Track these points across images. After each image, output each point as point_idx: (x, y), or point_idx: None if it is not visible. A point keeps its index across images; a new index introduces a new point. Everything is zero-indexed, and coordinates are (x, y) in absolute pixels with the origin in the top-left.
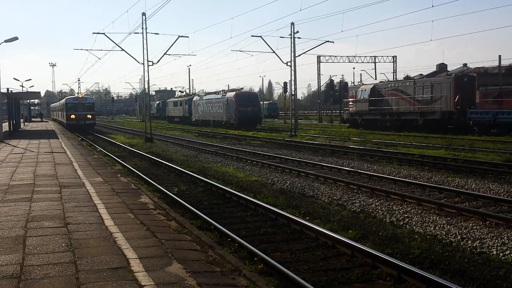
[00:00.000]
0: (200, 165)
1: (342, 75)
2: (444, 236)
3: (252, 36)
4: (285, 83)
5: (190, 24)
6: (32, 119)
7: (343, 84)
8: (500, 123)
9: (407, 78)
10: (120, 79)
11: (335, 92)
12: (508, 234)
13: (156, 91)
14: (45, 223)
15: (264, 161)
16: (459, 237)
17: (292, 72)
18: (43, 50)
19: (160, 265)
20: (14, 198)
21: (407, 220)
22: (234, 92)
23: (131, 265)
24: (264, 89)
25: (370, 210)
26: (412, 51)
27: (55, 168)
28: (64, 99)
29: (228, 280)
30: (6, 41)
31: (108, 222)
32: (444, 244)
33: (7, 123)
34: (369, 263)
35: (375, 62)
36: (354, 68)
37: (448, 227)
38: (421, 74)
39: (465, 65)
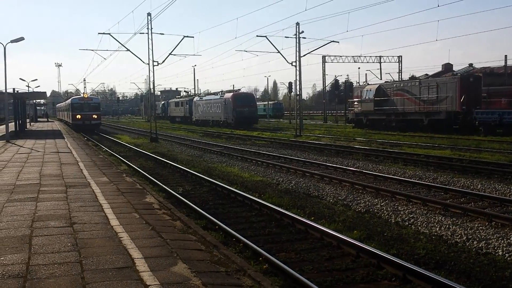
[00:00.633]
0: (205, 165)
1: (347, 75)
2: (449, 237)
3: (257, 36)
4: (290, 83)
5: (195, 24)
6: (38, 119)
7: (348, 84)
8: (506, 123)
9: (413, 78)
10: (126, 79)
11: (340, 92)
12: None
13: (161, 91)
14: (51, 223)
15: (269, 161)
16: (465, 237)
17: (297, 72)
18: (49, 50)
19: (165, 265)
20: (20, 198)
21: (412, 220)
22: (232, 93)
23: (136, 264)
24: (269, 89)
25: (375, 211)
26: (417, 51)
27: (61, 168)
28: (70, 99)
29: (233, 280)
30: (12, 41)
31: (114, 222)
32: (449, 245)
33: (13, 123)
34: (374, 264)
35: (380, 62)
36: (359, 68)
37: (453, 227)
38: (426, 74)
39: (470, 65)
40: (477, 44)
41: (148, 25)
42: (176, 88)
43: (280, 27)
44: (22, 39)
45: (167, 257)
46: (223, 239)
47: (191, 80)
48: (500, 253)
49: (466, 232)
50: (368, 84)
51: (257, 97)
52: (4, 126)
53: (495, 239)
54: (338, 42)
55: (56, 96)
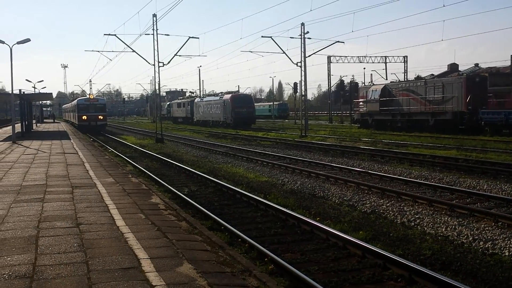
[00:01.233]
0: (210, 166)
1: (353, 76)
2: (455, 237)
3: (262, 36)
4: (295, 84)
5: (201, 25)
6: (44, 120)
7: (353, 84)
8: None
9: (418, 78)
10: (131, 80)
11: (346, 93)
12: None
13: (166, 92)
14: (57, 223)
15: (275, 162)
16: (471, 238)
17: (302, 72)
18: (55, 52)
19: (171, 265)
20: (27, 199)
21: (418, 221)
22: (230, 95)
23: (142, 265)
24: (274, 90)
25: (381, 211)
26: (423, 51)
27: (67, 169)
28: (76, 100)
29: (239, 281)
30: (18, 42)
31: (120, 222)
32: (455, 245)
33: (20, 124)
34: (380, 264)
35: (385, 62)
36: (364, 68)
37: (459, 228)
38: (432, 74)
39: (476, 65)
40: (483, 44)
41: (153, 26)
42: (181, 89)
43: (285, 28)
44: (28, 40)
45: (172, 258)
46: (229, 239)
47: (196, 81)
48: (507, 254)
49: (472, 232)
50: (374, 84)
51: (262, 97)
52: (10, 127)
53: (502, 240)
54: (344, 42)
55: (62, 97)
